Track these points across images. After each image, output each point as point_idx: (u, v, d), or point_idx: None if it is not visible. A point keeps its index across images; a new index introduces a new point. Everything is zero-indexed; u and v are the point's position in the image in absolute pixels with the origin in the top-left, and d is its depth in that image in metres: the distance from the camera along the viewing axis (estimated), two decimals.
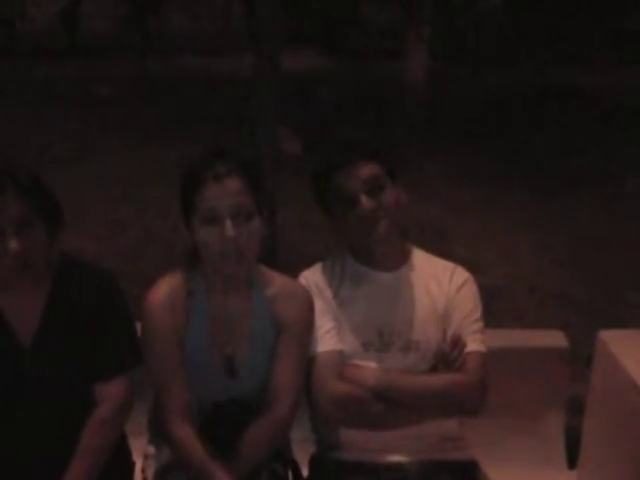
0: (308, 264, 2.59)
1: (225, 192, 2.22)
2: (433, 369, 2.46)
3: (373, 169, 2.39)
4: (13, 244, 2.14)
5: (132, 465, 2.53)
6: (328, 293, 2.49)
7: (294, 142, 9.62)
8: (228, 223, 2.21)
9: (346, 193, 2.38)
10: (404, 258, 2.54)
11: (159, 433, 2.40)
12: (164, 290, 2.35)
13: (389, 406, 2.40)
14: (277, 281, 2.42)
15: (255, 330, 2.37)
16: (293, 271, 2.56)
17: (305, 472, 2.55)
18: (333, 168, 2.40)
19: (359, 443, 2.45)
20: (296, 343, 2.38)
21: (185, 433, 2.28)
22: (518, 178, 9.02)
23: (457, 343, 2.44)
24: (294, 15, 15.13)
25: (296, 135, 9.71)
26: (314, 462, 2.57)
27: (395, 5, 14.52)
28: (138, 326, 2.38)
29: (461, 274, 2.55)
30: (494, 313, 2.64)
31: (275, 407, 2.34)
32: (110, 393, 2.31)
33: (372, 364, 2.44)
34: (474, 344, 2.46)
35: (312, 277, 2.53)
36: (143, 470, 2.48)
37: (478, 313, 2.51)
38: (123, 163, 8.80)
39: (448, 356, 2.44)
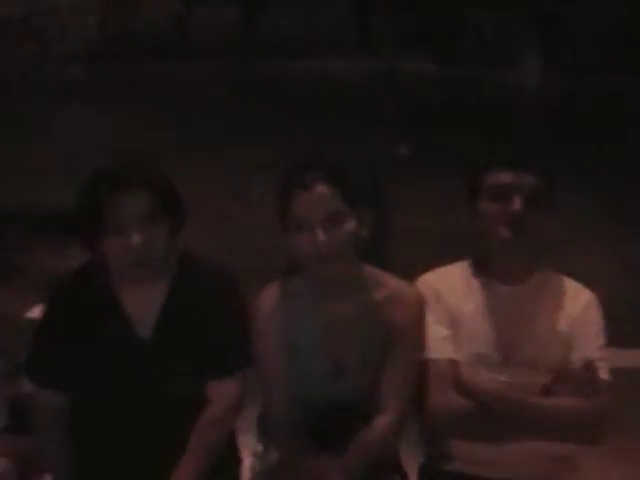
0: (412, 270, 2.56)
1: (314, 199, 2.24)
2: (545, 388, 2.38)
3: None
4: (135, 239, 2.18)
5: (239, 462, 2.53)
6: (446, 300, 2.45)
7: (402, 145, 9.58)
8: (319, 230, 2.22)
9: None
10: (528, 272, 2.47)
11: (267, 433, 2.41)
12: (273, 294, 2.37)
13: (502, 422, 2.34)
14: (388, 283, 2.40)
15: (364, 334, 2.36)
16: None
17: None
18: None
19: (470, 455, 2.40)
20: (407, 349, 2.36)
21: (290, 437, 2.29)
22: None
23: (588, 368, 2.37)
24: (408, 18, 15.07)
25: (403, 138, 9.67)
26: (423, 472, 2.52)
27: (509, 13, 14.36)
28: None
29: (586, 294, 2.49)
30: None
31: (385, 414, 2.31)
32: (222, 392, 2.32)
33: (486, 376, 2.39)
34: (601, 372, 2.39)
35: (431, 282, 2.50)
36: (251, 468, 2.50)
37: (604, 337, 2.44)
38: (233, 161, 8.89)
39: (577, 380, 2.36)
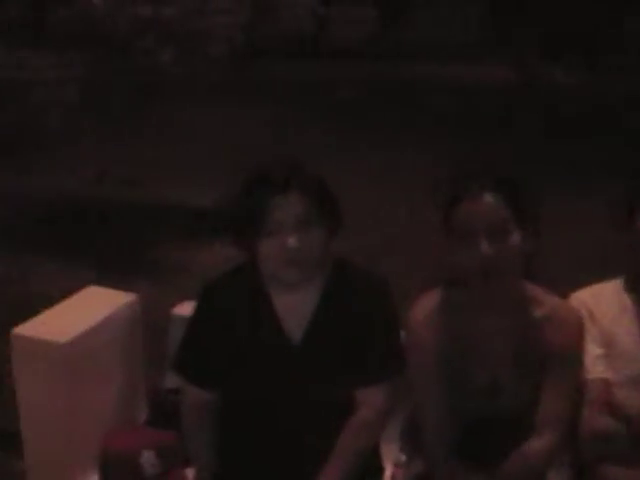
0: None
1: (480, 210, 2.17)
2: None
3: None
4: (292, 241, 2.18)
5: (381, 470, 2.51)
6: (599, 318, 2.38)
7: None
8: (484, 242, 2.14)
9: None
10: None
11: (413, 444, 2.36)
12: (427, 306, 2.32)
13: None
14: (548, 302, 2.32)
15: (521, 352, 2.29)
16: None
17: None
18: None
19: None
20: (567, 372, 2.27)
21: (441, 451, 2.23)
22: None
23: None
24: (550, 27, 14.73)
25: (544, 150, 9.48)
26: None
27: None
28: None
29: None
30: None
31: (543, 436, 2.23)
32: (372, 398, 2.29)
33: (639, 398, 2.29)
34: None
35: (584, 299, 2.42)
36: (392, 477, 2.46)
37: None
38: (365, 163, 8.87)
39: None
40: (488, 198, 2.18)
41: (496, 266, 2.16)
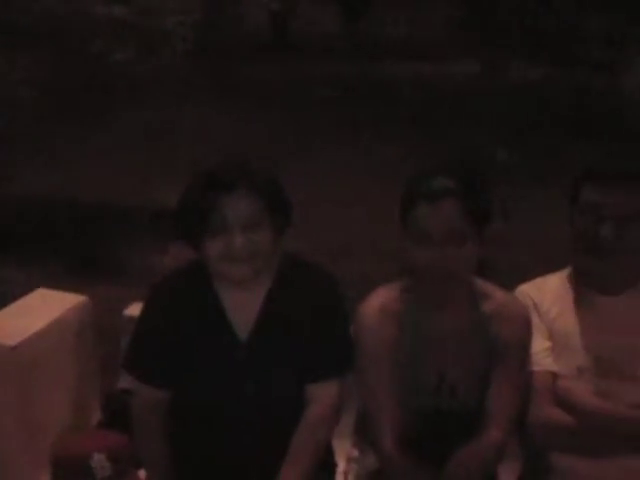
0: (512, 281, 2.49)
1: (438, 214, 2.16)
2: None
3: None
4: (238, 241, 2.17)
5: (334, 466, 2.51)
6: (544, 310, 2.39)
7: (500, 149, 9.44)
8: (439, 247, 2.15)
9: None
10: (631, 281, 2.38)
11: (365, 439, 2.37)
12: (378, 303, 2.32)
13: (604, 437, 2.26)
14: (495, 297, 2.33)
15: (470, 348, 2.30)
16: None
17: None
18: None
19: (569, 470, 2.32)
20: (515, 366, 2.29)
21: (392, 451, 2.22)
22: None
23: None
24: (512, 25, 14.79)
25: (501, 142, 9.52)
26: None
27: (615, 14, 13.96)
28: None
29: None
30: None
31: (490, 432, 2.24)
32: (324, 394, 2.29)
33: (586, 389, 2.30)
34: None
35: (529, 292, 2.43)
36: (345, 473, 2.47)
37: None
38: (340, 162, 8.87)
39: None
40: (448, 204, 2.16)
41: (450, 270, 2.18)
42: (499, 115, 10.17)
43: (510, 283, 2.49)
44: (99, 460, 2.52)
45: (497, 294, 2.34)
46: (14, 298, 2.84)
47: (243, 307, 2.29)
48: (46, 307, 2.77)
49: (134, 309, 2.83)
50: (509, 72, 12.56)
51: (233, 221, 2.17)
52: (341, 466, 2.50)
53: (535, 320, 2.36)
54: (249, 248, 2.18)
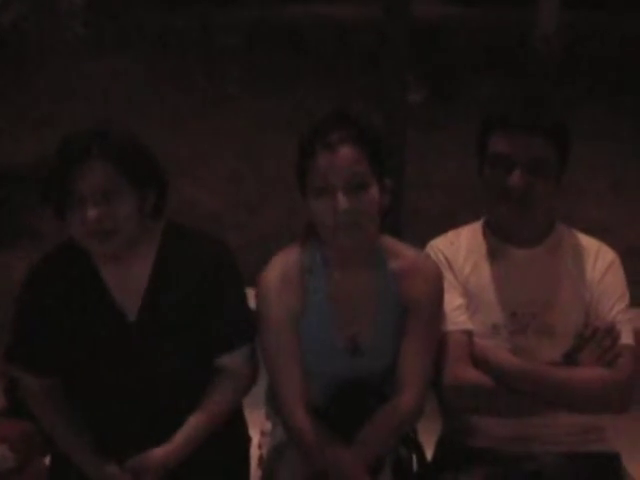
0: (434, 230, 2.41)
1: (337, 162, 2.06)
2: (567, 357, 2.24)
3: None
4: (91, 212, 2.03)
5: (248, 440, 2.43)
6: (458, 266, 2.31)
7: (417, 91, 9.37)
8: (340, 195, 2.05)
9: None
10: (545, 234, 2.32)
11: (276, 411, 2.28)
12: (278, 269, 2.20)
13: (522, 395, 2.20)
14: (404, 255, 2.24)
15: (380, 308, 2.21)
16: (418, 239, 2.38)
17: (429, 455, 2.39)
18: None
19: (490, 430, 2.28)
20: (425, 324, 2.20)
21: (302, 421, 2.14)
22: None
23: (610, 333, 2.21)
24: None
25: (419, 84, 9.46)
26: (440, 446, 2.41)
27: None
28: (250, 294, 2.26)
29: (607, 254, 2.32)
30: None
31: (403, 394, 2.17)
32: (230, 365, 2.21)
33: (502, 347, 2.25)
34: (625, 336, 2.23)
35: (441, 248, 2.34)
36: (259, 446, 2.38)
37: (627, 300, 2.28)
38: (246, 115, 8.70)
39: (599, 347, 2.21)
40: (346, 151, 2.07)
41: (354, 221, 2.07)
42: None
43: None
44: (1, 451, 2.40)
45: (407, 252, 2.25)
46: None
47: (127, 284, 2.16)
48: None
49: None
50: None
51: (86, 192, 2.02)
52: (255, 439, 2.42)
53: (449, 277, 2.28)
54: (103, 220, 2.03)
